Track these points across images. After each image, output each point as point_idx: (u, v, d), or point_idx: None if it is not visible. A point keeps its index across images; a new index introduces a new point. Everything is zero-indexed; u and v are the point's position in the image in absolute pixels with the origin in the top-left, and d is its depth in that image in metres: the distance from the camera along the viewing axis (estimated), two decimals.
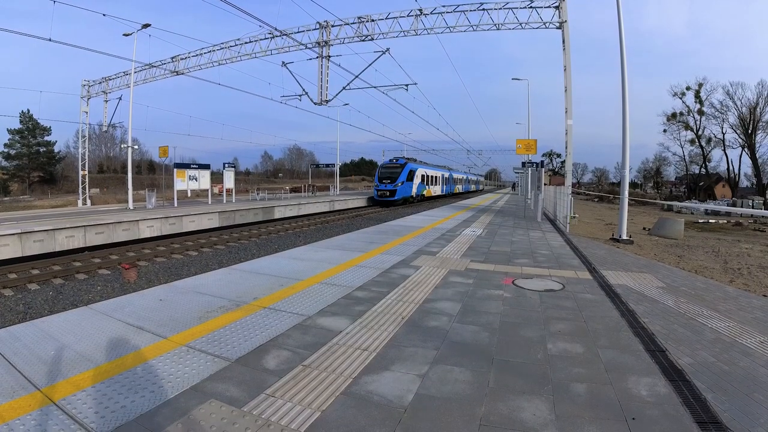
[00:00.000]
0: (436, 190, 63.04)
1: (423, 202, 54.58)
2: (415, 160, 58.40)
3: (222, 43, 30.44)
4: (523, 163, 27.97)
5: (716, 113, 78.58)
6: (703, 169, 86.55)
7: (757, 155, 76.15)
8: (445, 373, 4.03)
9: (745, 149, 77.02)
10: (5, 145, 77.15)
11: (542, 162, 26.12)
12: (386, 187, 46.62)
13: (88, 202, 35.91)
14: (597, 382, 3.96)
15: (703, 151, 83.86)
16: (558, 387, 3.82)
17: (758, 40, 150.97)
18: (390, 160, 53.30)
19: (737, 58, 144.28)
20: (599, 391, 3.79)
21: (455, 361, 4.32)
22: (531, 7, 23.53)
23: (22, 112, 75.61)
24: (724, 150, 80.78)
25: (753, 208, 50.63)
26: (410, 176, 49.27)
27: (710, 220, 34.17)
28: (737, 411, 3.53)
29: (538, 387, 3.82)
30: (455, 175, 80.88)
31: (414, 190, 50.76)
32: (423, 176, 55.05)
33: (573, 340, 4.96)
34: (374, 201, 47.68)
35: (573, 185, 22.85)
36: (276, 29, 25.14)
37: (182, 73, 31.94)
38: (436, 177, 62.93)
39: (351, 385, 3.76)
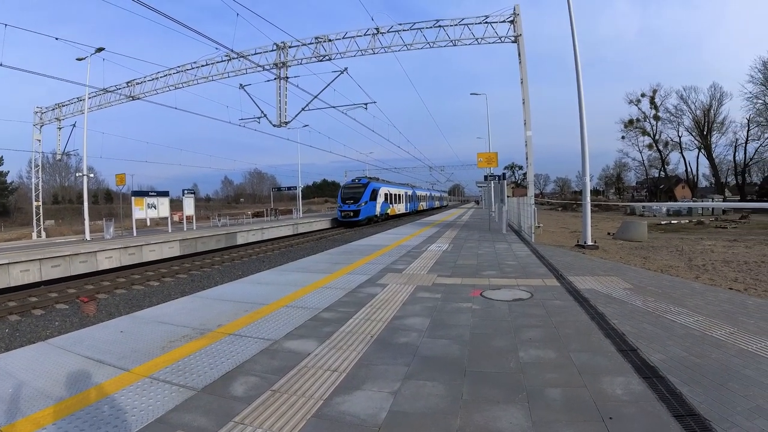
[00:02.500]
0: (400, 208, 62.94)
1: (388, 220, 54.50)
2: (378, 179, 58.58)
3: (178, 67, 30.26)
4: (486, 177, 28.23)
5: (672, 117, 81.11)
6: (662, 173, 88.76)
7: (714, 155, 78.55)
8: (417, 389, 3.96)
9: (702, 150, 79.42)
10: None
11: (504, 174, 26.38)
12: (350, 208, 46.35)
13: (44, 234, 35.07)
14: (571, 385, 3.95)
15: (661, 154, 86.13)
16: (533, 393, 3.79)
17: (708, 45, 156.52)
18: (353, 180, 53.46)
19: (689, 63, 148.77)
20: (574, 394, 3.77)
21: (427, 375, 4.25)
22: (486, 22, 23.98)
23: None
24: (682, 152, 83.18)
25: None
26: (374, 195, 49.26)
27: (672, 221, 34.97)
28: (713, 401, 3.57)
29: (512, 395, 3.78)
30: (419, 193, 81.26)
31: (378, 210, 50.73)
32: (387, 195, 55.13)
33: (545, 347, 4.94)
34: (338, 222, 47.30)
35: (536, 195, 23.14)
36: (233, 51, 25.02)
37: (138, 98, 31.60)
38: (399, 195, 63.03)
39: (322, 407, 3.65)
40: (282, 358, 4.80)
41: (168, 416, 3.58)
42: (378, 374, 4.31)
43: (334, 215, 50.61)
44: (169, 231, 30.92)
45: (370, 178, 56.65)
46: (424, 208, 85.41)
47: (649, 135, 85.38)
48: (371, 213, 48.64)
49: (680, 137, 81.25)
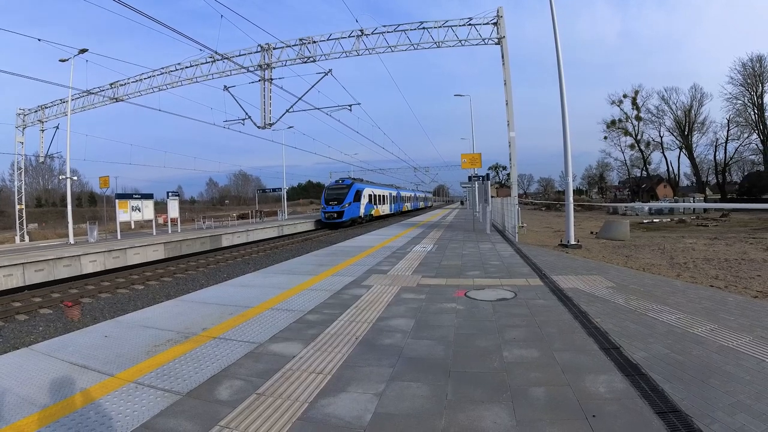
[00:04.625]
0: (384, 209, 62.73)
1: (372, 222, 54.34)
2: (362, 180, 58.34)
3: (162, 68, 30.07)
4: (470, 177, 28.35)
5: (653, 118, 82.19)
6: (644, 172, 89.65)
7: (695, 155, 79.53)
8: (402, 390, 3.98)
9: (683, 150, 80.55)
10: None
11: (488, 175, 26.51)
12: (333, 209, 46.03)
13: (27, 237, 34.67)
14: (555, 384, 3.99)
15: (643, 154, 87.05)
16: (516, 393, 3.82)
17: (687, 46, 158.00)
18: (336, 181, 53.02)
19: (669, 64, 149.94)
20: (558, 392, 3.81)
21: (412, 376, 4.28)
22: (470, 24, 24.10)
23: None
24: (663, 152, 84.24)
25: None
26: (357, 197, 49.02)
27: (654, 220, 35.34)
28: (695, 398, 3.62)
29: (496, 395, 3.81)
30: (403, 194, 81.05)
31: (362, 211, 50.56)
32: (371, 196, 54.99)
33: (528, 346, 4.98)
34: (322, 223, 47.06)
35: (520, 196, 23.27)
36: (217, 53, 24.94)
37: (122, 100, 31.38)
38: (384, 196, 62.88)
39: (307, 409, 3.66)
40: (267, 362, 4.80)
41: (153, 421, 3.57)
42: (363, 376, 4.32)
43: (318, 217, 50.14)
44: (154, 234, 30.71)
45: (354, 179, 56.09)
46: (409, 209, 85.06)
47: (631, 135, 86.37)
48: (355, 214, 48.57)
49: (662, 137, 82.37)
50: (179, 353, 5.17)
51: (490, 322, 6.01)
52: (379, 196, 60.21)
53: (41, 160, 37.65)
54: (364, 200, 51.57)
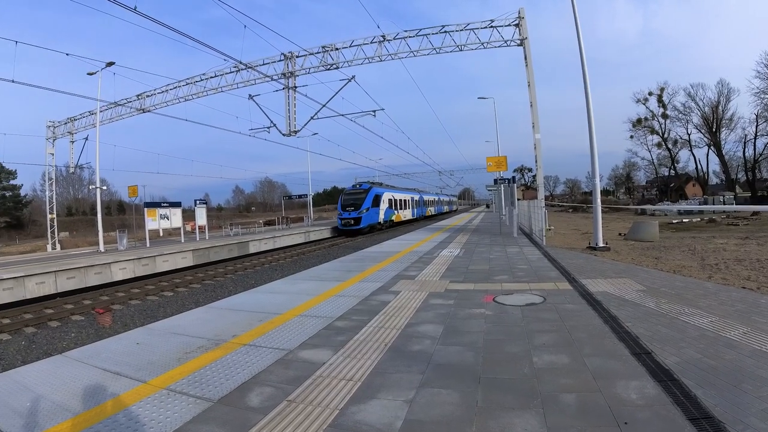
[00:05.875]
0: (406, 214, 60.01)
1: (398, 226, 52.95)
2: (381, 184, 55.05)
3: (187, 79, 30.41)
4: (496, 180, 28.19)
5: (680, 115, 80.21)
6: (672, 171, 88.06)
7: (724, 152, 77.81)
8: (432, 397, 3.97)
9: (711, 147, 78.65)
10: None
11: (514, 178, 26.43)
12: (350, 215, 43.38)
13: (58, 246, 35.27)
14: (586, 390, 3.95)
15: (670, 153, 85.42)
16: (547, 399, 3.79)
17: (711, 40, 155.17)
18: (353, 186, 50.32)
19: (694, 60, 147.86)
20: (589, 399, 3.77)
21: (442, 383, 4.27)
22: (492, 26, 23.98)
23: None
24: (691, 150, 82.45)
25: (724, 203, 51.55)
26: (376, 201, 46.26)
27: (684, 220, 34.66)
28: (728, 404, 3.56)
29: (527, 401, 3.78)
30: (426, 197, 78.29)
31: (381, 216, 47.93)
32: (391, 200, 52.41)
33: (558, 352, 4.94)
34: (339, 231, 44.23)
35: (546, 198, 23.04)
36: (241, 62, 25.19)
37: (148, 111, 31.80)
38: (405, 200, 60.35)
39: (338, 416, 3.67)
40: (297, 368, 4.83)
41: (186, 428, 3.62)
42: (393, 383, 4.33)
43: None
44: (182, 241, 31.05)
45: (373, 182, 52.33)
46: (433, 213, 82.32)
47: (657, 133, 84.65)
48: (374, 220, 45.71)
49: (689, 135, 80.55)
50: (210, 360, 5.22)
51: (519, 328, 5.97)
52: (400, 200, 57.57)
53: (71, 170, 38.32)
54: (384, 205, 48.98)
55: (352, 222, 42.95)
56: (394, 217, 53.31)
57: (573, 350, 4.98)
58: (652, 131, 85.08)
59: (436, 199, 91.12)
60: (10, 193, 79.71)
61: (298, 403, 3.96)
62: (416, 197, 68.48)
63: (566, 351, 4.96)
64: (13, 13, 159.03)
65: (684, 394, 3.75)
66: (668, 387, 3.90)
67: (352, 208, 43.72)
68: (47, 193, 36.63)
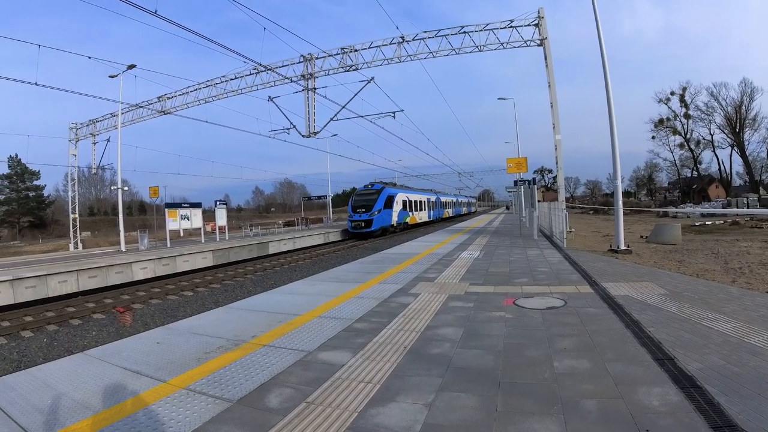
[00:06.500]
0: (421, 216, 57.37)
1: (414, 229, 51.45)
2: (395, 185, 53.70)
3: (208, 81, 30.68)
4: (516, 182, 28.05)
5: (702, 115, 79.51)
6: (695, 172, 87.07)
7: (747, 153, 76.84)
8: (451, 400, 3.94)
9: (735, 148, 77.87)
10: None
11: (534, 179, 26.21)
12: (361, 217, 40.96)
13: (80, 245, 35.75)
14: (607, 396, 3.89)
15: (693, 153, 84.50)
16: (568, 405, 3.75)
17: (736, 38, 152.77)
18: (365, 186, 47.28)
19: (718, 59, 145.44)
20: (610, 405, 3.72)
21: (461, 387, 4.24)
22: (511, 26, 23.85)
23: (10, 156, 76.16)
24: (714, 151, 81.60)
25: (748, 205, 50.91)
26: (389, 203, 43.82)
27: (707, 222, 34.21)
28: (752, 411, 3.49)
29: (547, 407, 3.74)
30: (443, 199, 75.66)
31: (394, 218, 45.39)
32: (405, 202, 49.81)
33: (579, 356, 4.89)
34: (349, 234, 42.00)
35: (567, 199, 22.83)
36: (260, 64, 25.34)
37: (169, 113, 32.10)
38: (420, 202, 57.60)
39: (357, 419, 3.66)
40: (316, 370, 4.83)
41: (205, 428, 3.63)
42: (412, 386, 4.30)
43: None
44: (202, 241, 31.34)
45: (386, 183, 49.35)
46: (450, 215, 79.73)
47: (680, 134, 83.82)
48: (386, 222, 43.34)
49: (712, 135, 79.75)
50: (229, 360, 5.24)
51: (540, 332, 5.91)
52: (415, 201, 54.86)
53: (93, 171, 38.79)
54: (397, 206, 46.46)
55: (363, 224, 40.86)
56: (408, 220, 51.02)
57: (594, 355, 4.91)
58: (675, 131, 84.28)
59: (454, 200, 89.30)
60: (34, 193, 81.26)
61: (317, 404, 3.95)
62: (432, 198, 66.15)
63: (587, 356, 4.90)
64: (36, 18, 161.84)
65: (707, 401, 3.68)
66: (691, 394, 3.83)
67: (363, 210, 41.64)
68: (70, 193, 37.21)
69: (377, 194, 43.01)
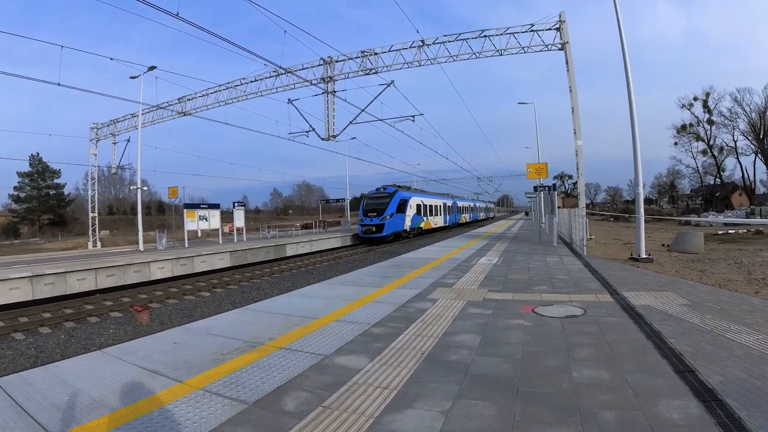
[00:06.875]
0: (437, 221, 55.25)
1: (430, 234, 50.11)
2: (409, 188, 51.35)
3: (228, 83, 30.91)
4: (535, 187, 27.96)
5: (726, 121, 78.13)
6: (718, 179, 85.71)
7: None
8: (468, 408, 3.91)
9: (759, 155, 76.48)
10: (15, 188, 79.23)
11: (554, 185, 25.99)
12: (372, 222, 39.00)
13: (99, 244, 36.29)
14: (626, 408, 3.83)
15: (716, 160, 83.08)
16: (586, 416, 3.69)
17: (758, 42, 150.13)
18: (377, 189, 45.04)
19: (742, 63, 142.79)
20: (629, 417, 3.66)
21: (479, 395, 4.20)
22: (532, 30, 23.73)
23: (32, 155, 77.34)
24: (738, 158, 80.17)
25: None
26: (402, 207, 41.86)
27: (729, 231, 33.68)
28: None
29: (565, 417, 3.69)
30: (460, 203, 73.25)
31: (408, 223, 43.39)
32: (419, 206, 47.54)
33: (599, 366, 4.82)
34: (360, 239, 40.14)
35: (587, 206, 22.65)
36: (280, 67, 25.45)
37: (189, 114, 32.42)
38: (436, 206, 55.41)
39: (373, 425, 3.64)
40: (333, 374, 4.81)
41: (220, 429, 3.64)
42: (429, 392, 4.27)
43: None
44: (220, 242, 31.57)
45: (399, 186, 47.15)
46: (468, 220, 77.54)
47: (702, 140, 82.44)
48: (399, 228, 41.30)
49: (735, 142, 78.43)
50: (246, 362, 5.25)
51: (559, 340, 5.85)
52: (430, 206, 52.53)
53: (113, 171, 39.31)
54: (411, 211, 44.29)
55: (374, 229, 38.88)
56: (422, 225, 48.85)
57: (614, 365, 4.84)
58: (697, 138, 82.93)
59: (472, 205, 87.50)
60: (54, 192, 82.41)
61: (333, 409, 3.94)
62: (449, 203, 64.02)
63: (607, 366, 4.84)
64: (59, 19, 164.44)
65: (728, 415, 3.61)
66: (711, 408, 3.75)
67: (375, 214, 39.62)
68: (89, 192, 37.78)
69: (389, 198, 41.24)
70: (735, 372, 4.51)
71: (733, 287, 10.78)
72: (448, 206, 62.78)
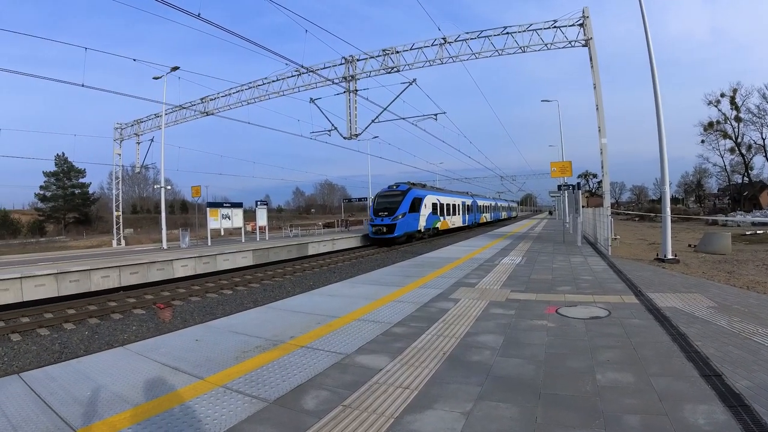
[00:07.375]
0: (455, 221, 52.40)
1: (456, 233, 49.20)
2: (424, 185, 47.60)
3: (250, 83, 30.99)
4: (559, 186, 27.69)
5: (754, 118, 75.80)
6: (746, 178, 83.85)
7: None
8: (490, 410, 3.86)
9: None
10: (41, 187, 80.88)
11: (578, 184, 25.80)
12: (382, 222, 36.47)
13: (123, 242, 36.81)
14: (651, 412, 3.76)
15: (744, 158, 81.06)
16: (610, 420, 3.63)
17: None
18: (390, 187, 41.80)
19: None
20: (653, 422, 3.58)
21: (500, 396, 4.15)
22: (555, 27, 23.37)
23: (57, 155, 79.02)
24: (766, 156, 78.27)
25: None
26: (415, 206, 39.14)
27: (758, 231, 33.02)
28: None
29: (588, 420, 3.63)
30: (480, 202, 70.37)
31: (422, 223, 40.82)
32: (435, 205, 44.86)
33: (623, 369, 4.74)
34: (370, 240, 37.72)
35: (612, 205, 22.38)
36: (302, 66, 25.44)
37: (212, 114, 32.59)
38: (454, 205, 52.60)
39: (393, 425, 3.61)
40: (353, 373, 4.81)
41: (240, 426, 3.65)
42: (450, 393, 4.23)
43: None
44: (243, 241, 31.79)
45: (414, 183, 43.76)
46: (488, 220, 75.06)
47: (730, 138, 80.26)
48: (412, 228, 38.85)
49: (764, 139, 76.20)
50: (267, 360, 5.27)
51: (583, 342, 5.77)
52: (448, 205, 49.68)
53: (137, 170, 39.80)
54: (425, 210, 41.72)
55: (384, 230, 36.33)
56: (439, 225, 46.26)
57: (638, 368, 4.76)
58: (725, 135, 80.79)
59: (493, 204, 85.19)
60: (79, 191, 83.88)
61: (354, 408, 3.92)
62: (468, 201, 60.95)
63: (631, 369, 4.75)
64: (83, 22, 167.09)
65: (755, 421, 3.53)
66: (738, 413, 3.67)
67: (386, 213, 37.03)
68: (114, 191, 38.10)
69: (402, 196, 38.45)
70: (762, 377, 4.41)
71: (762, 289, 10.56)
72: (468, 205, 60.42)
